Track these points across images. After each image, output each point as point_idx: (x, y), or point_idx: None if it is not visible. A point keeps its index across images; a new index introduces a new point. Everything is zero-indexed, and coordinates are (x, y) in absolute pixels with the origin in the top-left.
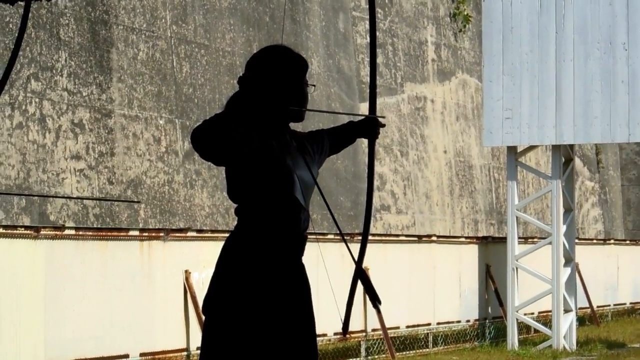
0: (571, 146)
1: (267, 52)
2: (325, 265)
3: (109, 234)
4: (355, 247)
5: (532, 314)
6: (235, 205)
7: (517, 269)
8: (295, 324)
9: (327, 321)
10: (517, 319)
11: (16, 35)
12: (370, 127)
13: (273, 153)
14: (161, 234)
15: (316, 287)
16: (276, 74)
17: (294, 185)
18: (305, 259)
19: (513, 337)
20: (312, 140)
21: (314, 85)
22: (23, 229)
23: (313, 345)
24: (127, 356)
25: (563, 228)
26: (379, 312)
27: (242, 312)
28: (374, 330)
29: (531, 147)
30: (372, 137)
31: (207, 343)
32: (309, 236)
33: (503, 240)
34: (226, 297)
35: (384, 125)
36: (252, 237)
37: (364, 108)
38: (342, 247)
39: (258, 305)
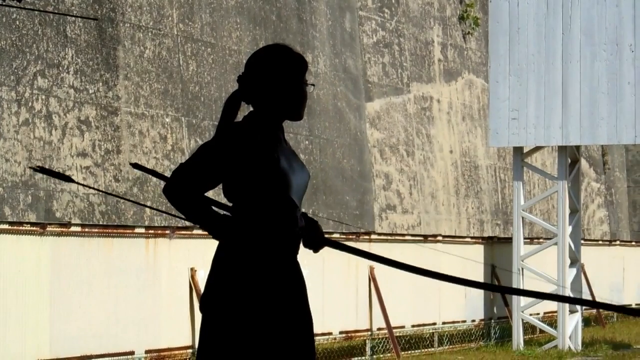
0: (577, 147)
1: (267, 51)
2: (330, 265)
3: (114, 231)
4: (361, 246)
5: (538, 314)
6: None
7: (522, 269)
8: (293, 322)
9: (332, 320)
10: (522, 319)
11: (23, 32)
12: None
13: (271, 158)
14: (167, 232)
15: (322, 286)
16: (276, 73)
17: (289, 186)
18: (311, 259)
19: (518, 338)
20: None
21: (313, 85)
22: (29, 225)
23: (310, 344)
24: (132, 353)
25: (569, 229)
26: None
27: (239, 310)
28: (379, 329)
29: (537, 148)
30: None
31: (204, 341)
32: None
33: (509, 240)
34: (223, 295)
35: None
36: (248, 235)
37: (370, 107)
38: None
39: (255, 303)
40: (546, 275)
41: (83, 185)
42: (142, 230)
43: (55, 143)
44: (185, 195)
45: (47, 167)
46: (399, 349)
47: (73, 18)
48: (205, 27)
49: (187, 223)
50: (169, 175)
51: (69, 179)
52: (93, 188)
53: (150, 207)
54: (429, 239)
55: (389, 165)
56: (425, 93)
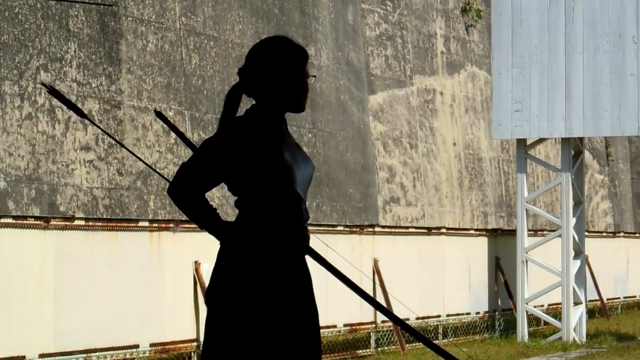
0: (581, 139)
1: (268, 43)
2: (334, 258)
3: (118, 224)
4: (365, 239)
5: (542, 306)
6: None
7: (526, 261)
8: (299, 316)
9: (336, 312)
10: (526, 311)
11: (25, 26)
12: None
13: (275, 152)
14: (171, 225)
15: (325, 279)
16: (276, 65)
17: (293, 179)
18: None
19: (523, 329)
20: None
21: (314, 76)
22: (33, 219)
23: (316, 337)
24: (137, 346)
25: (573, 221)
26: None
27: (244, 304)
28: (383, 322)
29: (540, 140)
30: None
31: (210, 335)
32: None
33: (513, 232)
34: (229, 289)
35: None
36: (254, 229)
37: (372, 100)
38: (351, 239)
39: (261, 297)
40: (550, 267)
41: (94, 123)
42: (146, 224)
43: (59, 137)
44: (189, 197)
45: (50, 161)
46: (404, 341)
47: (76, 12)
48: (207, 20)
49: None
50: (190, 138)
51: (81, 112)
52: (103, 131)
53: (161, 175)
54: (433, 231)
55: (392, 158)
56: (428, 85)
